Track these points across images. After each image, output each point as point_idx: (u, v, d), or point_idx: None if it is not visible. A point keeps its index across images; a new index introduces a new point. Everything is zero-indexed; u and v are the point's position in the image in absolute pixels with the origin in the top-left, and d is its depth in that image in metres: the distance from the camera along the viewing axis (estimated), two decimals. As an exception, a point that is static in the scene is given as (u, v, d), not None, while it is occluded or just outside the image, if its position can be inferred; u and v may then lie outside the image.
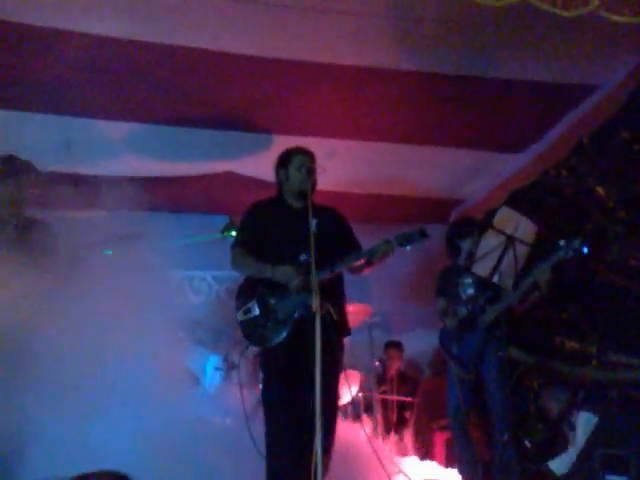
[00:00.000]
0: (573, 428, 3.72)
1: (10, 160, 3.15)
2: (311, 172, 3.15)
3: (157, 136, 4.63)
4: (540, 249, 3.62)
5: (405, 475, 3.67)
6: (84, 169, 4.86)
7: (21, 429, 2.81)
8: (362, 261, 3.06)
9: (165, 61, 3.80)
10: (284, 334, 2.98)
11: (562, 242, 3.36)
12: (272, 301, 3.06)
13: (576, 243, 3.31)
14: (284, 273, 2.99)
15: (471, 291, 3.91)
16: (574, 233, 3.62)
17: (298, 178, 3.18)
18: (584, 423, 3.66)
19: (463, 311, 3.88)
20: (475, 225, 4.06)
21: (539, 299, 3.81)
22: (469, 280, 3.91)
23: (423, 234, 2.90)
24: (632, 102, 3.93)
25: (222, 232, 5.61)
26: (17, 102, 4.09)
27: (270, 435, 3.05)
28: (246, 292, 3.17)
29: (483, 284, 3.80)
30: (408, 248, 2.92)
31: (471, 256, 3.85)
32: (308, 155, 3.26)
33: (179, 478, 4.34)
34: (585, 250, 3.31)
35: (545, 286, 3.60)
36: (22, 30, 3.38)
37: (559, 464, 3.74)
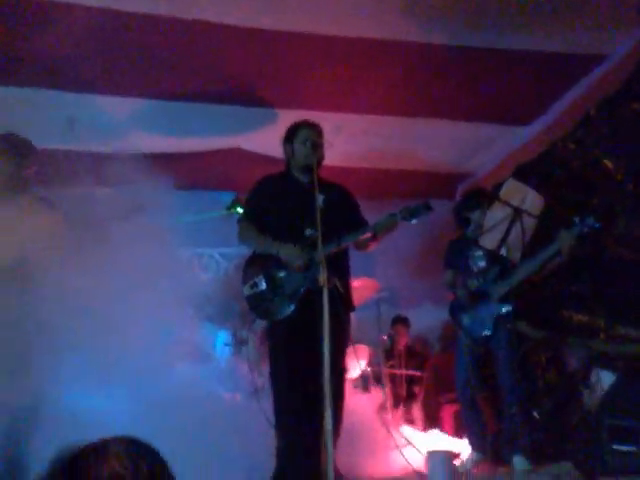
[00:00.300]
0: (589, 387, 3.76)
1: (8, 138, 3.14)
2: (316, 146, 3.12)
3: (163, 112, 4.60)
4: (547, 222, 3.60)
5: (413, 445, 3.71)
6: (88, 146, 4.85)
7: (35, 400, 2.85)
8: (368, 235, 3.06)
9: (170, 35, 3.76)
10: (291, 308, 3.00)
11: (576, 219, 3.38)
12: (279, 275, 3.06)
13: (589, 220, 3.34)
14: (289, 252, 3.00)
15: (483, 263, 3.90)
16: (586, 209, 3.59)
17: (303, 152, 3.17)
18: (606, 380, 3.70)
19: (474, 283, 3.86)
20: (484, 196, 4.03)
21: (549, 272, 3.81)
22: (480, 253, 3.90)
23: (428, 207, 2.89)
24: (641, 72, 3.87)
25: (228, 209, 5.59)
26: (18, 78, 4.06)
27: (279, 408, 3.09)
28: (253, 266, 3.17)
29: (494, 257, 3.78)
30: (413, 221, 2.91)
31: (479, 228, 3.85)
32: (314, 129, 3.23)
33: (189, 452, 4.42)
34: (597, 226, 3.34)
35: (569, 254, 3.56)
36: (23, 3, 3.34)
37: None
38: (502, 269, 3.76)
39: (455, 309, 4.04)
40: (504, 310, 3.73)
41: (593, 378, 3.76)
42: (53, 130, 4.30)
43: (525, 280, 3.67)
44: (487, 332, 3.77)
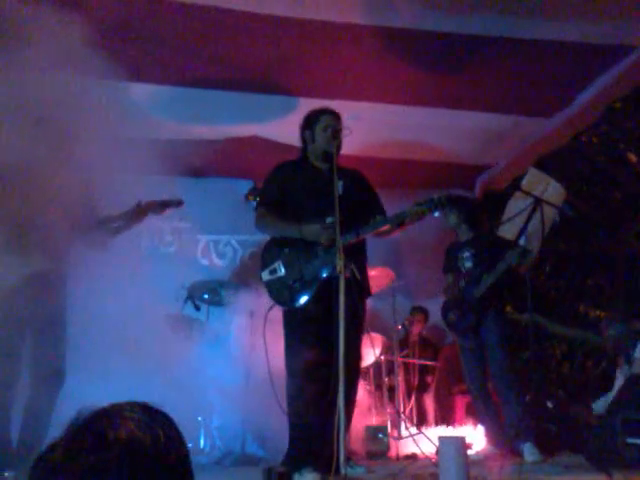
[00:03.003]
0: (629, 360, 3.82)
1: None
2: (337, 133, 3.12)
3: (182, 99, 4.62)
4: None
5: (425, 435, 3.70)
6: (108, 132, 4.88)
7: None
8: (387, 226, 3.06)
9: (188, 21, 3.76)
10: (310, 295, 3.00)
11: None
12: (298, 261, 3.06)
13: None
14: (313, 231, 2.99)
15: (469, 264, 4.04)
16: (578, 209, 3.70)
17: (324, 139, 3.16)
18: None
19: (462, 283, 4.02)
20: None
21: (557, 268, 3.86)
22: (467, 254, 4.06)
23: (450, 199, 2.89)
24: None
25: (246, 197, 5.61)
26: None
27: (293, 394, 3.09)
28: (271, 252, 3.17)
29: (480, 258, 3.97)
30: (436, 214, 2.91)
31: (463, 232, 4.15)
32: (334, 116, 3.23)
33: (204, 436, 4.48)
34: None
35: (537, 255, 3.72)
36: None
37: (603, 404, 3.78)
38: (488, 267, 3.89)
39: (444, 310, 4.18)
40: (489, 303, 3.87)
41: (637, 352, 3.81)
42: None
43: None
44: (472, 321, 3.92)
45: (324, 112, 3.25)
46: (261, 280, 3.16)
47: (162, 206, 3.15)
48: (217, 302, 4.97)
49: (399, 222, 2.98)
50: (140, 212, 3.19)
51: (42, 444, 2.77)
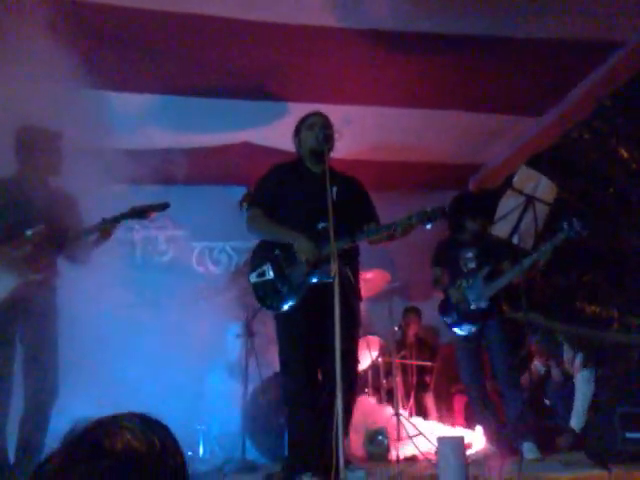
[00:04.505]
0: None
1: (29, 130, 3.17)
2: (323, 130, 3.09)
3: (171, 107, 4.62)
4: (557, 214, 3.62)
5: (424, 436, 3.71)
6: (101, 142, 4.87)
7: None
8: (383, 234, 3.06)
9: (177, 30, 3.77)
10: (298, 298, 2.98)
11: (564, 224, 3.47)
12: (287, 265, 3.04)
13: (577, 225, 3.43)
14: (304, 246, 2.95)
15: (473, 265, 4.02)
16: (575, 214, 3.68)
17: (310, 137, 3.17)
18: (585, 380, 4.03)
19: (464, 284, 3.98)
20: (479, 204, 4.15)
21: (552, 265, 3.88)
22: (470, 254, 4.04)
23: (444, 213, 2.90)
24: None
25: (240, 203, 5.61)
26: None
27: (288, 400, 3.08)
28: (261, 254, 3.15)
29: (484, 259, 3.95)
30: (428, 226, 2.91)
31: (472, 236, 4.08)
32: (320, 115, 3.26)
33: (204, 443, 4.46)
34: (585, 232, 3.44)
35: (544, 265, 3.75)
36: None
37: (575, 420, 3.86)
38: (492, 270, 3.89)
39: (444, 309, 4.14)
40: (492, 308, 3.88)
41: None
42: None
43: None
44: (476, 327, 3.92)
45: (309, 114, 3.29)
46: (249, 282, 3.13)
47: (145, 211, 3.10)
48: (213, 309, 4.95)
49: (390, 232, 2.98)
50: (105, 229, 3.12)
51: (39, 458, 2.76)
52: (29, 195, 3.10)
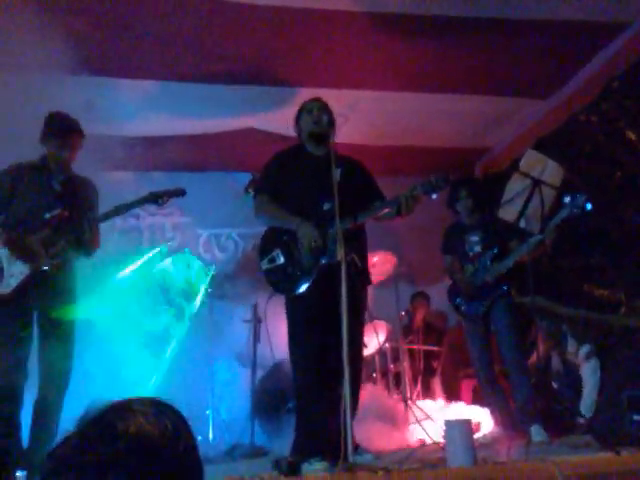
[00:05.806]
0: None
1: (53, 117, 3.18)
2: (321, 112, 3.12)
3: (177, 94, 4.61)
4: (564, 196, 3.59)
5: (431, 419, 3.72)
6: (105, 129, 4.87)
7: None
8: (386, 210, 3.04)
9: (180, 15, 3.75)
10: (309, 282, 2.99)
11: (567, 199, 3.41)
12: (297, 249, 3.05)
13: (580, 200, 3.35)
14: (307, 232, 2.97)
15: (478, 248, 3.99)
16: (578, 189, 3.62)
17: (307, 120, 3.19)
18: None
19: (470, 268, 3.97)
20: (461, 185, 4.13)
21: (562, 249, 3.85)
22: (476, 238, 4.01)
23: (447, 180, 2.87)
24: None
25: (245, 189, 5.61)
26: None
27: (298, 383, 3.09)
28: (270, 240, 3.16)
29: (489, 242, 3.91)
30: (434, 196, 2.88)
31: (470, 214, 4.04)
32: (317, 100, 3.27)
33: (213, 429, 4.51)
34: (589, 207, 3.35)
35: (550, 246, 3.71)
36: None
37: (584, 410, 3.86)
38: (498, 252, 3.86)
39: (452, 294, 4.14)
40: (502, 289, 3.85)
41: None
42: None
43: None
44: (483, 310, 3.89)
45: (307, 101, 3.30)
46: (260, 269, 3.15)
47: (165, 196, 3.12)
48: (220, 295, 4.98)
49: (397, 205, 2.95)
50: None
51: (52, 443, 2.80)
52: (50, 180, 3.14)
